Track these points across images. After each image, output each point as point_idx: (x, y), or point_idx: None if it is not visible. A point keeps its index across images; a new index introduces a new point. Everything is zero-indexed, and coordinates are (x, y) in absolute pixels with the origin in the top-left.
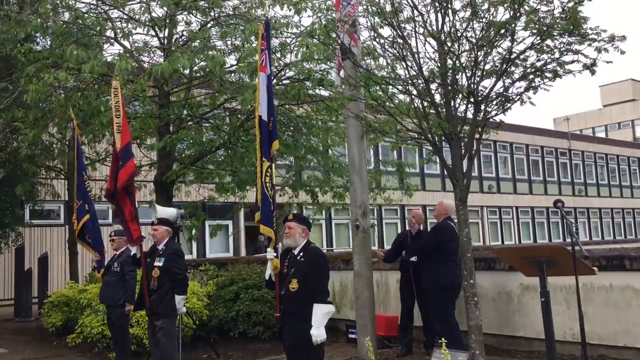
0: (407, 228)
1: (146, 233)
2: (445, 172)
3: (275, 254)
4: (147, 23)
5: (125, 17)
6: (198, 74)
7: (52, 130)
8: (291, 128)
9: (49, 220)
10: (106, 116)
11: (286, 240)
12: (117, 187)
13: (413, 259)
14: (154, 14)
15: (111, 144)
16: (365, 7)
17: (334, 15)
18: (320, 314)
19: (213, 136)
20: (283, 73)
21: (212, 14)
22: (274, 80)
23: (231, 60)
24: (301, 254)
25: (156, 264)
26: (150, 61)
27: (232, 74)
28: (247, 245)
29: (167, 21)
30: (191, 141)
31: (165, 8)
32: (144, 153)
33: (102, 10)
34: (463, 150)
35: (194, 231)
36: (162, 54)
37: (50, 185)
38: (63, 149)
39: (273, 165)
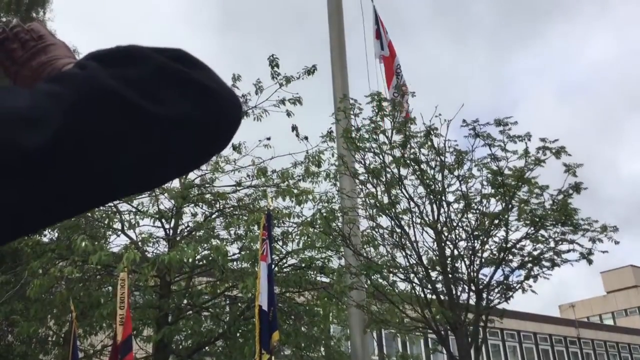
0: None
1: None
2: None
3: None
4: (155, 215)
5: (133, 209)
6: (201, 263)
7: (50, 323)
8: (292, 317)
9: None
10: (106, 307)
11: None
12: None
13: None
14: (161, 207)
15: (108, 336)
16: (363, 200)
17: (334, 206)
18: None
19: (212, 326)
20: (285, 261)
21: (218, 205)
22: (275, 268)
23: (233, 248)
24: None
25: None
26: (154, 251)
27: (234, 262)
28: None
29: (174, 213)
30: (189, 331)
31: (172, 201)
32: (140, 345)
33: (112, 204)
34: (469, 339)
35: None
36: (166, 243)
37: None
38: (58, 341)
39: (273, 357)
